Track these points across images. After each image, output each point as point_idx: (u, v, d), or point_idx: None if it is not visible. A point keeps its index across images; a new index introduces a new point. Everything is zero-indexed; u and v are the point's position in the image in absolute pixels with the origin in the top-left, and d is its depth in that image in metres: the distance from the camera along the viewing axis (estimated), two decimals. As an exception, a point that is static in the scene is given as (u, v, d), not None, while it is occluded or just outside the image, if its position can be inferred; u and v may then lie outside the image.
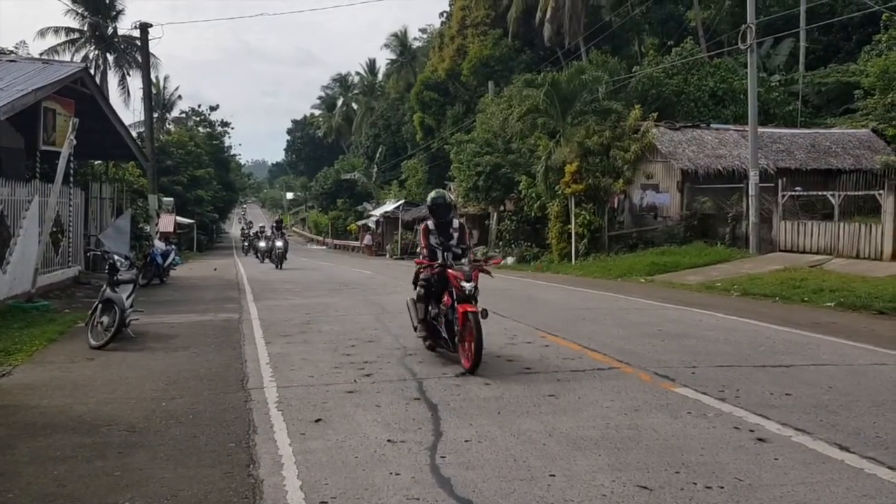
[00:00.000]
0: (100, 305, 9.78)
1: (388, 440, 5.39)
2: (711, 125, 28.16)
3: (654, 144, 25.51)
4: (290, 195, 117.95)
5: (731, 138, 26.40)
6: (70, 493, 4.49)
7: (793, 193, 20.99)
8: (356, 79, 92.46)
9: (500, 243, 33.77)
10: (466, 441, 5.34)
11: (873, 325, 11.12)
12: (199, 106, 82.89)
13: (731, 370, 7.71)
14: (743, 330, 10.51)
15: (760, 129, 23.76)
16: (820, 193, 20.91)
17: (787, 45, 36.89)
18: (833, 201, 19.41)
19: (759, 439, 5.35)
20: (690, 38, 37.36)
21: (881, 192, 17.67)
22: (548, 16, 42.94)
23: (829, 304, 13.11)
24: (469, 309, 7.60)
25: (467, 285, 7.73)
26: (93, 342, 9.40)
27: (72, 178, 16.82)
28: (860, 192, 19.51)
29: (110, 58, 53.60)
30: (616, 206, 26.56)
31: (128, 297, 9.97)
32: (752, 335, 10.02)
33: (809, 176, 24.31)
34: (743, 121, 26.65)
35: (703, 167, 24.42)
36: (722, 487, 4.44)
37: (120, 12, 53.47)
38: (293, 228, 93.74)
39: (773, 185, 21.37)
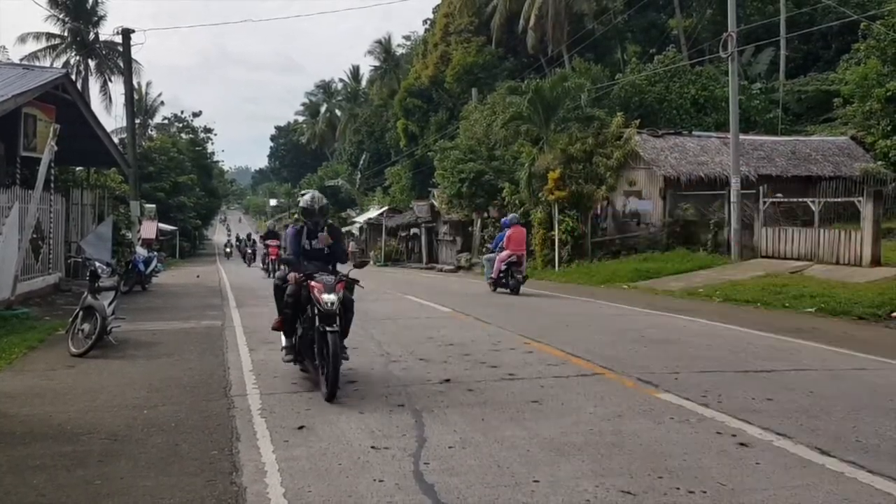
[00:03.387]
0: (81, 313, 9.68)
1: (372, 447, 5.38)
2: (693, 132, 28.39)
3: (637, 151, 25.67)
4: (273, 202, 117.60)
5: (712, 145, 26.61)
6: (50, 503, 4.44)
7: (774, 200, 21.18)
8: (340, 85, 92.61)
9: (484, 250, 33.82)
10: (450, 447, 5.34)
11: (853, 330, 11.24)
12: (182, 112, 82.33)
13: (714, 375, 7.75)
14: (725, 336, 10.58)
15: (742, 137, 23.98)
16: (800, 200, 21.11)
17: (767, 54, 37.30)
18: (813, 208, 19.60)
19: (741, 444, 5.38)
20: (672, 46, 37.77)
21: (860, 198, 17.86)
22: (531, 23, 43.16)
23: (809, 309, 13.23)
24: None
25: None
26: (73, 350, 9.31)
27: (52, 185, 16.67)
28: (840, 199, 19.72)
29: (92, 64, 53.29)
30: (599, 212, 26.67)
31: (109, 305, 9.89)
32: (734, 341, 10.09)
33: (790, 183, 24.55)
34: (724, 128, 26.88)
35: (685, 174, 24.60)
36: (704, 492, 4.47)
37: (101, 18, 53.20)
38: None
39: (754, 191, 21.55)
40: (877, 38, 24.29)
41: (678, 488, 4.52)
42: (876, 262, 16.79)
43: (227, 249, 54.98)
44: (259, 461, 5.10)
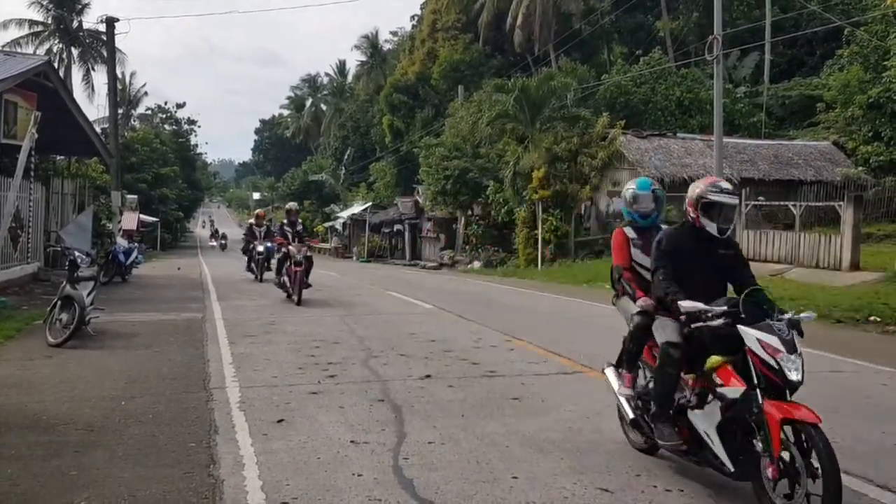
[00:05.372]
0: (59, 302, 9.60)
1: (352, 441, 5.37)
2: (678, 134, 28.53)
3: (622, 152, 25.77)
4: (256, 195, 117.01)
5: (696, 147, 26.77)
6: (24, 492, 4.39)
7: (756, 203, 21.33)
8: (325, 80, 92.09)
9: (467, 247, 33.86)
10: (430, 443, 5.34)
11: (831, 333, 11.33)
12: (166, 103, 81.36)
13: (693, 375, 7.78)
14: (705, 336, 10.62)
15: (725, 140, 24.11)
16: (782, 204, 21.27)
17: (752, 58, 37.53)
18: (794, 212, 19.75)
19: (719, 443, 5.40)
20: (659, 48, 37.87)
21: (841, 203, 18.02)
22: (519, 22, 43.18)
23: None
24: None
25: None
26: (51, 340, 9.23)
27: (32, 173, 16.50)
28: (821, 203, 19.89)
29: (75, 52, 52.68)
30: (583, 212, 26.77)
31: (88, 295, 9.80)
32: (714, 341, 10.13)
33: (772, 186, 24.75)
34: (708, 130, 27.03)
35: (669, 175, 24.72)
36: (682, 490, 4.49)
37: (85, 6, 52.59)
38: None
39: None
40: (860, 45, 24.54)
41: (655, 486, 4.54)
42: (855, 266, 16.93)
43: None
44: (237, 454, 5.08)
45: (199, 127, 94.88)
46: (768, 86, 35.27)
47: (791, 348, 4.14)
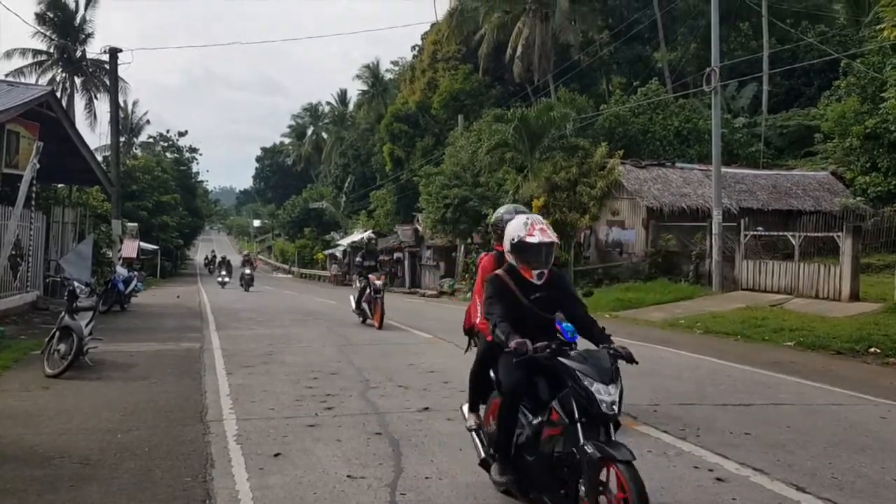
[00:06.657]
0: (57, 332, 9.58)
1: (348, 476, 5.33)
2: (676, 164, 28.65)
3: (621, 181, 25.86)
4: (257, 223, 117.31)
5: (695, 177, 26.86)
6: (17, 529, 4.36)
7: (755, 233, 21.36)
8: (327, 108, 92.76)
9: (467, 275, 33.80)
10: (427, 478, 5.31)
11: (831, 364, 11.30)
12: (168, 131, 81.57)
13: (693, 408, 7.76)
14: (705, 368, 10.61)
15: (724, 170, 24.23)
16: (781, 234, 21.29)
17: (750, 89, 37.83)
18: (794, 242, 19.77)
19: (718, 479, 5.38)
20: (657, 79, 38.15)
21: (840, 233, 18.05)
22: (518, 53, 43.52)
23: (788, 343, 13.29)
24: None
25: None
26: (49, 370, 9.20)
27: (33, 202, 16.57)
28: (820, 234, 19.91)
29: (77, 81, 53.11)
30: (582, 241, 26.80)
31: (87, 325, 9.79)
32: (714, 373, 10.12)
33: (771, 216, 24.81)
34: (707, 160, 27.14)
35: (668, 205, 24.79)
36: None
37: (89, 36, 53.14)
38: (259, 256, 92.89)
39: (735, 224, 21.73)
40: (857, 76, 24.73)
41: (654, 523, 4.50)
42: (855, 297, 16.93)
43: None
44: (233, 489, 5.05)
45: (201, 155, 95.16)
46: (766, 116, 35.51)
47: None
